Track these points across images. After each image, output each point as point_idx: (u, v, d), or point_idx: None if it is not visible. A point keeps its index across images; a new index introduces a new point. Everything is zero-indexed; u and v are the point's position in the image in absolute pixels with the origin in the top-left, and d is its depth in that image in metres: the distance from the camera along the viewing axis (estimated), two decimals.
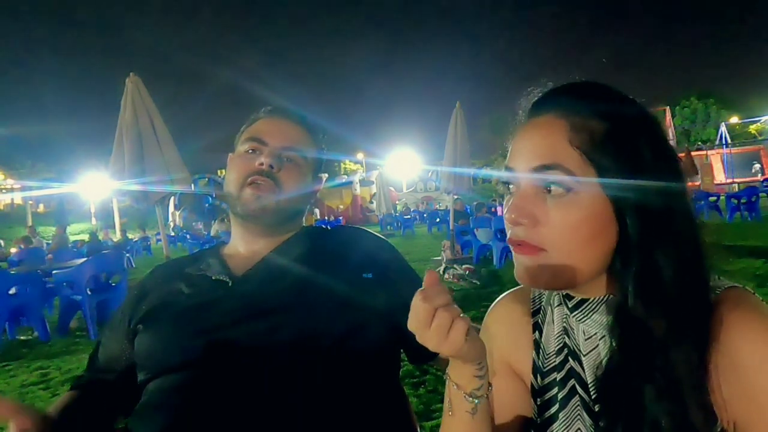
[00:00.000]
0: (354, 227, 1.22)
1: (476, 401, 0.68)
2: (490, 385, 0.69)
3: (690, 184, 0.67)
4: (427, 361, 1.10)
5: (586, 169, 0.63)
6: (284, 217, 1.09)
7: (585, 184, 0.63)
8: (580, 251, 0.64)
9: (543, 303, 0.79)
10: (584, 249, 0.64)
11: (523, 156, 0.66)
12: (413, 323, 0.61)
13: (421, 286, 1.12)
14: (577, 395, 0.70)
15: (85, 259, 6.58)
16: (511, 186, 0.68)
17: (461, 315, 0.61)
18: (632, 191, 0.62)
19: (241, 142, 1.12)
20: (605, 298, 0.68)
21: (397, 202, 27.65)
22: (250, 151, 1.09)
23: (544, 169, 0.64)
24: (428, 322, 0.60)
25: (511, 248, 0.68)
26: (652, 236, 0.62)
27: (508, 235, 0.68)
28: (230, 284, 1.01)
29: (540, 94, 0.71)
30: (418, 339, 0.62)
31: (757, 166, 25.10)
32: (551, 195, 0.64)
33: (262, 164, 1.05)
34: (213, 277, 1.03)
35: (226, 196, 1.11)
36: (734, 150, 26.17)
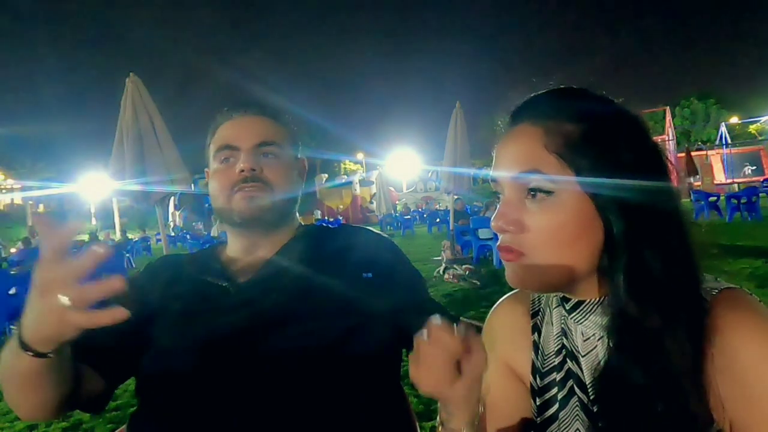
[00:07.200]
0: (356, 226, 1.21)
1: None
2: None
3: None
4: None
5: (565, 171, 0.64)
6: (281, 214, 1.06)
7: (565, 187, 0.64)
8: (565, 252, 0.65)
9: (542, 305, 0.79)
10: (569, 249, 0.65)
11: (504, 165, 0.68)
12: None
13: (423, 285, 1.12)
14: (576, 396, 0.71)
15: None
16: (499, 195, 0.70)
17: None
18: (612, 190, 0.63)
19: (213, 154, 1.07)
20: (602, 300, 0.68)
21: (397, 202, 27.62)
22: (225, 160, 1.04)
23: (523, 175, 0.65)
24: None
25: (500, 254, 0.69)
26: (636, 234, 0.63)
27: (498, 242, 0.69)
28: (231, 291, 1.00)
29: (519, 104, 0.72)
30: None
31: (748, 170, 24.99)
32: (533, 200, 0.65)
33: (242, 170, 1.00)
34: (213, 282, 1.02)
35: (217, 211, 1.07)
36: (734, 150, 26.14)
